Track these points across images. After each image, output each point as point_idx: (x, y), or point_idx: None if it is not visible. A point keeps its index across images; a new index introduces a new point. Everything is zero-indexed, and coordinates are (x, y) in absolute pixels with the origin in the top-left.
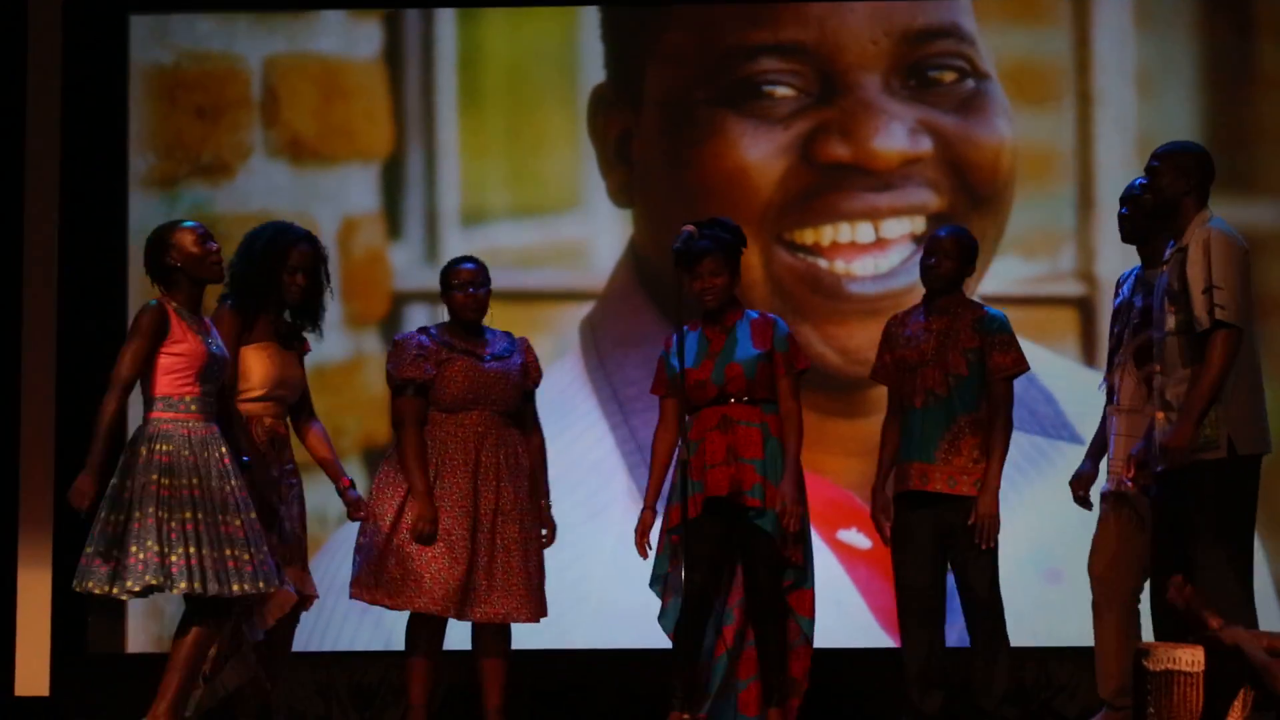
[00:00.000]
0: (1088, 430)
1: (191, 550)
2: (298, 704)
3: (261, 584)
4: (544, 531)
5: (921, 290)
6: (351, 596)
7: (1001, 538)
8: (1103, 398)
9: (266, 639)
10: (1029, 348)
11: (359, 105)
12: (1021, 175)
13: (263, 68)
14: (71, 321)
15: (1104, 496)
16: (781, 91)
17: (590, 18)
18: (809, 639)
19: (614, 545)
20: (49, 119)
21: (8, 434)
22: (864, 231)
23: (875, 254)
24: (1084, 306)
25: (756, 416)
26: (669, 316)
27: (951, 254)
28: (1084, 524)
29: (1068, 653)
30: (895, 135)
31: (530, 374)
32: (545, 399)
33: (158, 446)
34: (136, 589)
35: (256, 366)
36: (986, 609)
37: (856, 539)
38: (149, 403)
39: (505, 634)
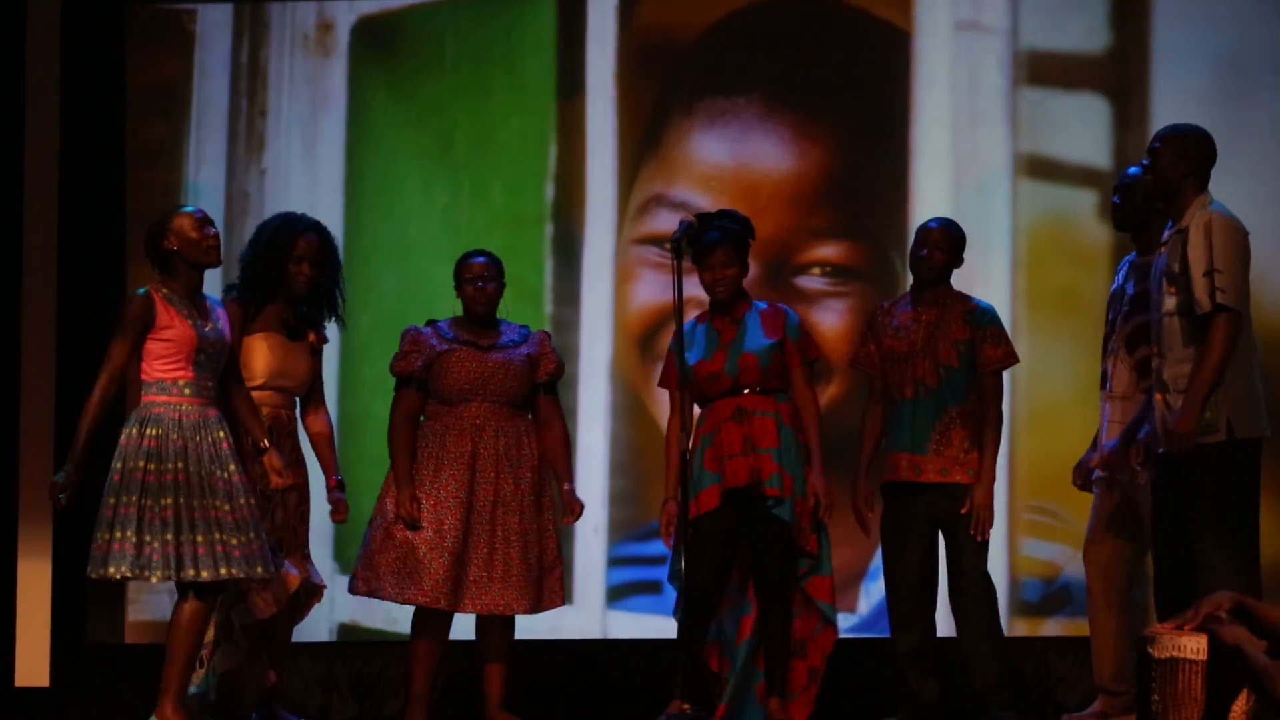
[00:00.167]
0: None
1: (169, 537)
2: (298, 695)
3: (251, 569)
4: (566, 516)
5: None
6: (350, 591)
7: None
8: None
9: (268, 628)
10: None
11: None
12: None
13: None
14: (71, 312)
15: (1095, 482)
16: None
17: None
18: (831, 621)
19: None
20: (48, 114)
21: (7, 425)
22: None
23: None
24: None
25: (770, 406)
26: None
27: (942, 245)
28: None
29: (1067, 643)
30: None
31: (542, 366)
32: None
33: (147, 430)
34: (117, 576)
35: (257, 356)
36: (980, 597)
37: None
38: (143, 387)
39: (508, 625)
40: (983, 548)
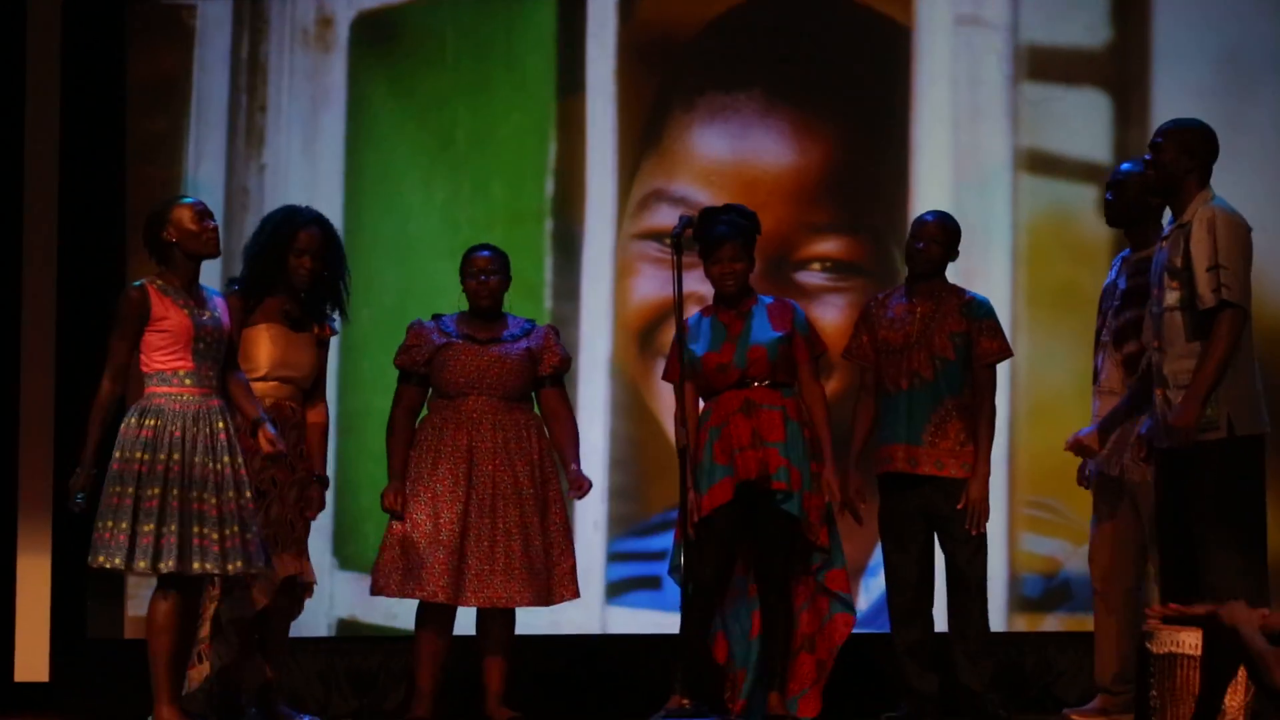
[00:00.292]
0: None
1: (149, 528)
2: (298, 689)
3: (230, 565)
4: (573, 491)
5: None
6: (371, 592)
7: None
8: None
9: (262, 622)
10: None
11: None
12: None
13: None
14: (71, 307)
15: (1090, 479)
16: None
17: None
18: (849, 610)
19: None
20: (48, 109)
21: (7, 420)
22: None
23: None
24: None
25: (777, 400)
26: None
27: (938, 238)
28: None
29: (1067, 638)
30: None
31: (545, 360)
32: None
33: (146, 421)
34: (108, 566)
35: (259, 347)
36: (975, 593)
37: None
38: (144, 379)
39: (508, 619)
40: (980, 546)
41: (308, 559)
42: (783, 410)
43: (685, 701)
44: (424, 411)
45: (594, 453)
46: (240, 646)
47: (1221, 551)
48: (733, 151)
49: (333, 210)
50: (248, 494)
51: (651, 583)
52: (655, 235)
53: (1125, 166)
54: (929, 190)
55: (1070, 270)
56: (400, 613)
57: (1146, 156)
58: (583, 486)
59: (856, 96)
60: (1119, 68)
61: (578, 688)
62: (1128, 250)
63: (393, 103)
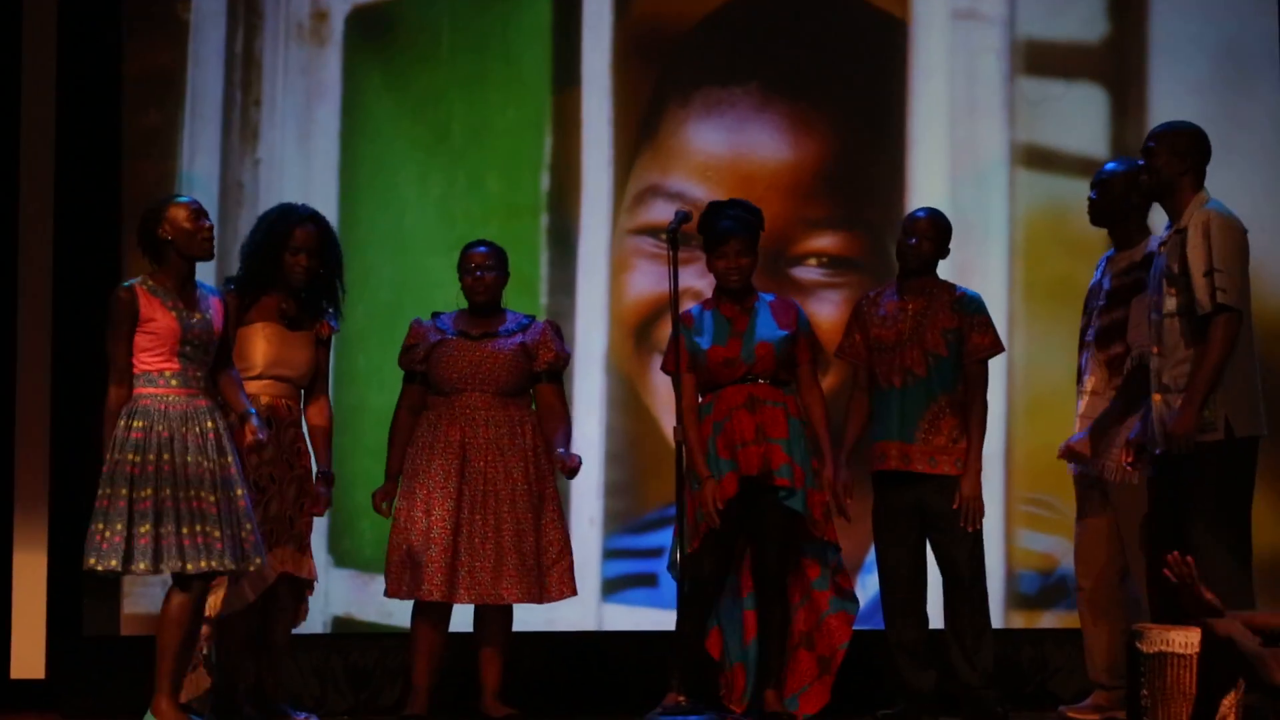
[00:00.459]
0: None
1: (146, 529)
2: (294, 686)
3: (236, 561)
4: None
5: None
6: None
7: None
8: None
9: (262, 622)
10: None
11: None
12: None
13: None
14: (67, 304)
15: (1076, 479)
16: None
17: None
18: (855, 604)
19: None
20: (44, 103)
21: (3, 416)
22: None
23: None
24: None
25: (779, 396)
26: None
27: (930, 235)
28: None
29: (1063, 634)
30: None
31: (540, 355)
32: None
33: (134, 423)
34: (100, 568)
35: (255, 346)
36: (970, 590)
37: None
38: (133, 380)
39: (505, 616)
40: (976, 545)
41: (310, 556)
42: (784, 407)
43: (682, 698)
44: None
45: (590, 448)
46: (236, 644)
47: (1214, 552)
48: (729, 146)
49: (328, 205)
50: (240, 491)
51: (648, 580)
52: (651, 230)
53: (1110, 166)
54: (925, 185)
55: (1067, 265)
56: (395, 610)
57: (1140, 161)
58: (570, 463)
59: (853, 91)
60: (1116, 62)
61: (574, 684)
62: (1112, 250)
63: (388, 97)
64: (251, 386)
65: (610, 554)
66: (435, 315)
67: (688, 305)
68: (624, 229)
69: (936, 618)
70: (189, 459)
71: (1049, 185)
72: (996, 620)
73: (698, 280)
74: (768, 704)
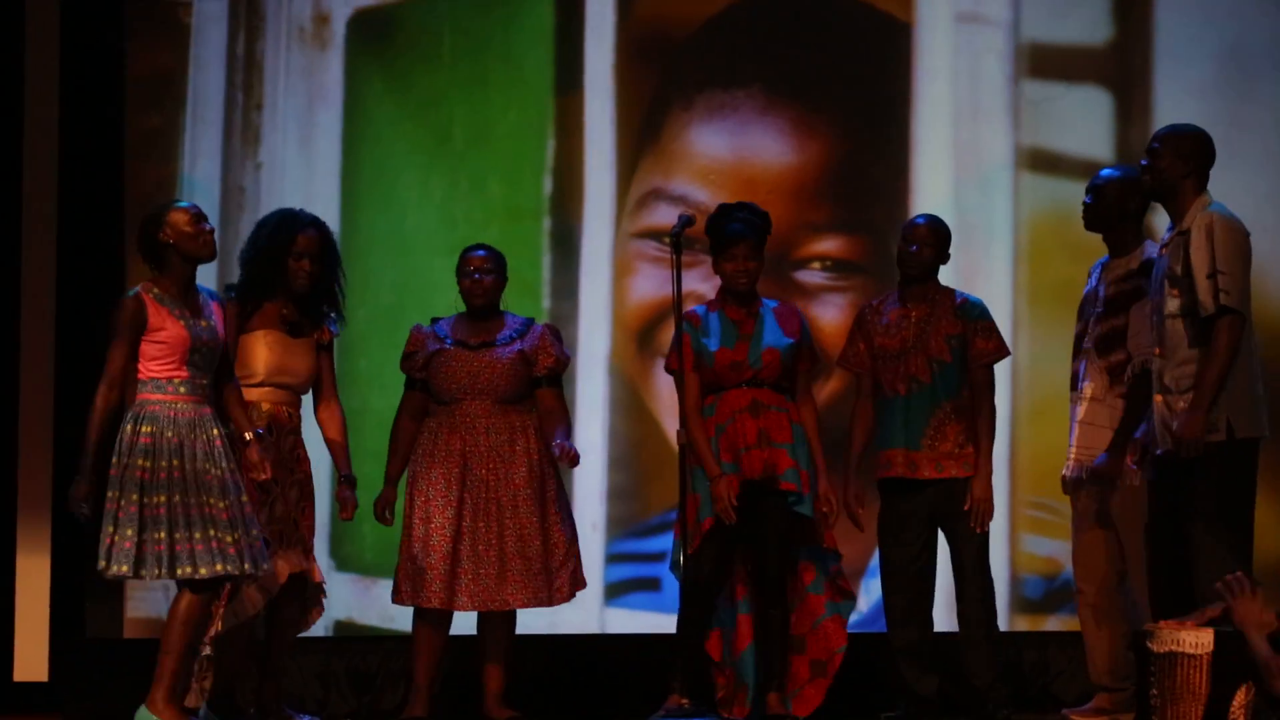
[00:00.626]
0: None
1: (160, 535)
2: (296, 689)
3: (247, 565)
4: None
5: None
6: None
7: None
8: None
9: (266, 626)
10: None
11: None
12: None
13: None
14: (70, 307)
15: (1067, 483)
16: None
17: None
18: (853, 606)
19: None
20: (47, 107)
21: (6, 419)
22: None
23: None
24: None
25: (782, 402)
26: None
27: (930, 241)
28: None
29: (1066, 637)
30: None
31: (540, 360)
32: None
33: (142, 428)
34: (111, 573)
35: (256, 353)
36: (979, 592)
37: None
38: (139, 385)
39: (508, 620)
40: (984, 546)
41: (314, 560)
42: (787, 413)
43: (684, 701)
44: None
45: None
46: (238, 648)
47: (1215, 554)
48: (732, 149)
49: (329, 208)
50: (244, 497)
51: (651, 584)
52: (654, 234)
53: (1105, 172)
54: (929, 189)
55: (1071, 269)
56: (397, 614)
57: (1144, 162)
58: (568, 453)
59: (856, 94)
60: (1120, 65)
61: (577, 688)
62: (1106, 257)
63: (389, 100)
64: (253, 394)
65: (613, 558)
66: (434, 321)
67: (690, 308)
68: (626, 232)
69: (941, 621)
70: (198, 465)
71: (1053, 188)
72: (1000, 625)
73: (701, 284)
74: (770, 707)
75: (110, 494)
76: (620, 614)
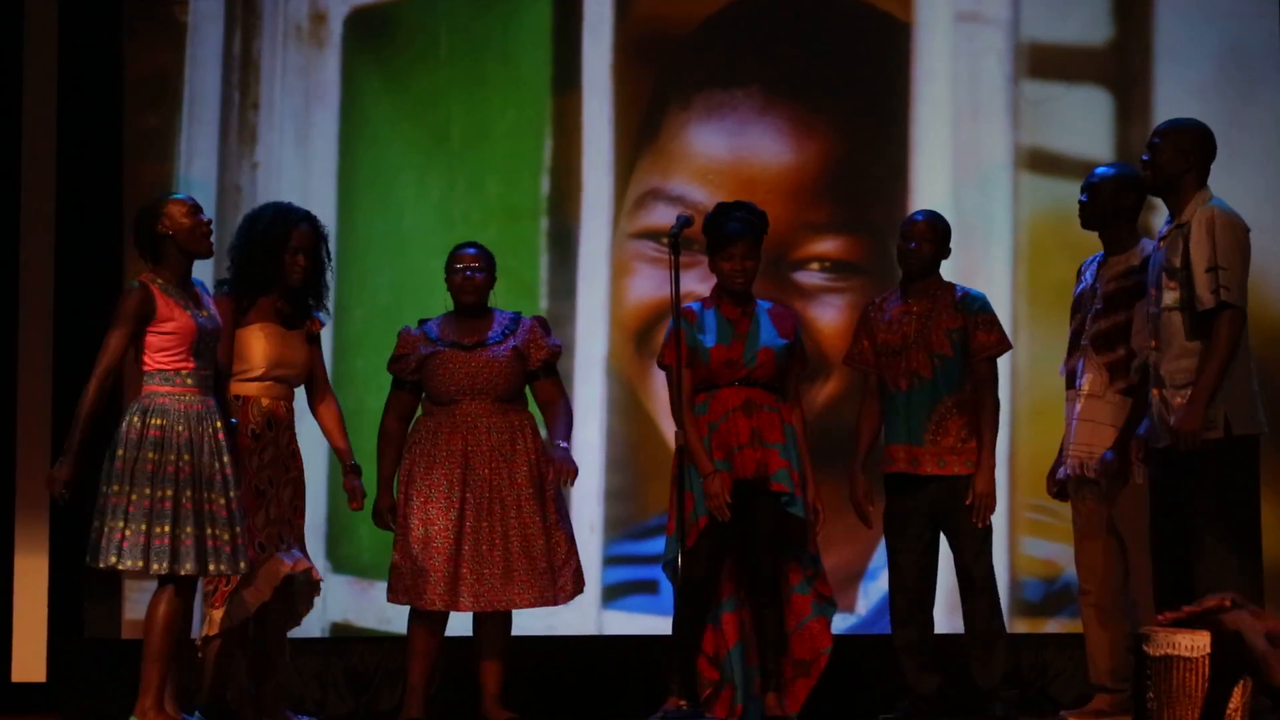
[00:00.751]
0: None
1: (166, 529)
2: (294, 690)
3: (243, 564)
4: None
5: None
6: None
7: None
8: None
9: (259, 627)
10: None
11: None
12: None
13: None
14: (68, 304)
15: (1066, 483)
16: None
17: None
18: (834, 609)
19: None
20: (45, 106)
21: (4, 418)
22: None
23: None
24: None
25: (774, 402)
26: None
27: (928, 237)
28: None
29: (1064, 638)
30: None
31: (533, 355)
32: None
33: (151, 420)
34: (121, 567)
35: (255, 347)
36: (983, 590)
37: None
38: (146, 377)
39: (505, 620)
40: (986, 543)
41: (308, 557)
42: (779, 413)
43: (682, 703)
44: (418, 412)
45: (590, 453)
46: (234, 648)
47: (1217, 551)
48: (730, 149)
49: (326, 208)
50: (234, 493)
51: (648, 586)
52: (652, 234)
53: (1099, 170)
54: (928, 189)
55: (1071, 269)
56: (394, 616)
57: (1145, 157)
58: (565, 470)
59: (855, 94)
60: (1120, 65)
61: (575, 689)
62: (1100, 255)
63: (386, 99)
64: (251, 388)
65: (610, 560)
66: (422, 322)
67: (686, 304)
68: (624, 233)
69: (942, 622)
70: (204, 461)
71: (1053, 189)
72: None
73: (699, 284)
74: (768, 708)
75: (116, 487)
76: (618, 616)
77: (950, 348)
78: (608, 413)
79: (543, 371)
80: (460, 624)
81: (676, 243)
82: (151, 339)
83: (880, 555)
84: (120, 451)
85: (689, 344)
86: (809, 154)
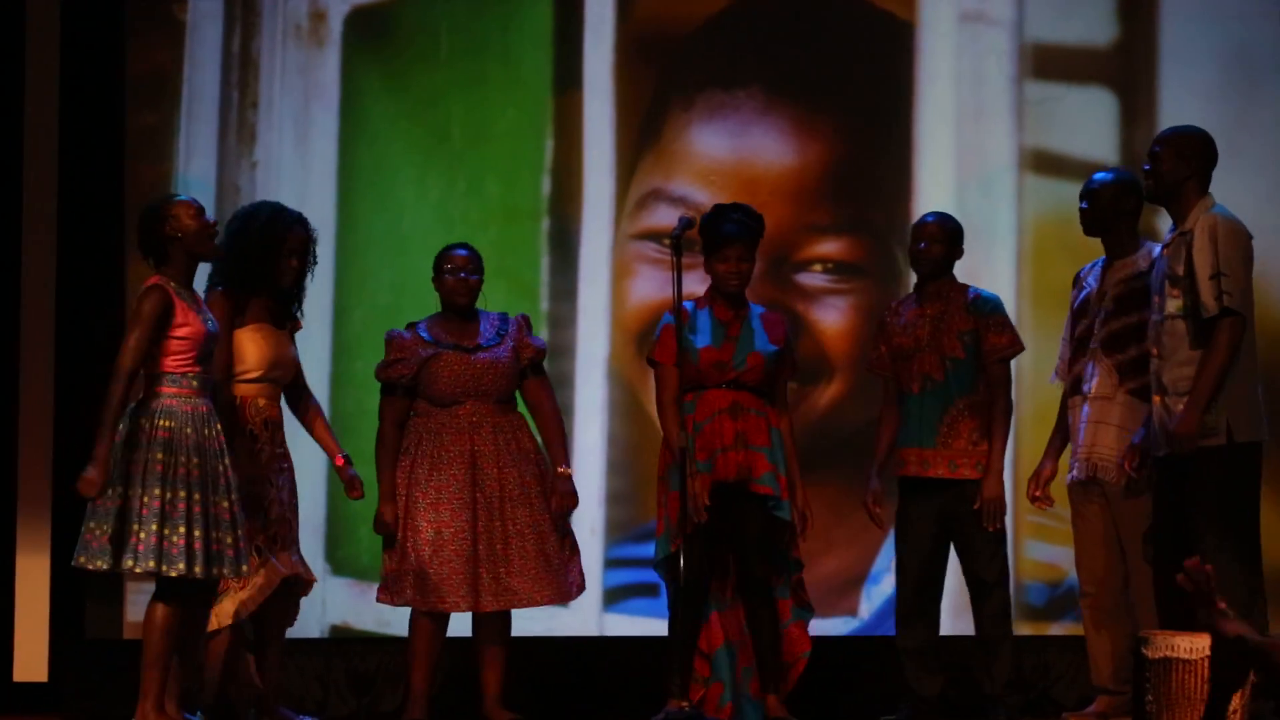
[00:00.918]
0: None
1: (182, 530)
2: (295, 690)
3: (244, 567)
4: (563, 503)
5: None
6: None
7: None
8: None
9: (258, 625)
10: None
11: None
12: None
13: None
14: (70, 305)
15: (1072, 487)
16: None
17: None
18: (811, 613)
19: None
20: (47, 105)
21: (6, 419)
22: None
23: None
24: None
25: (761, 406)
26: None
27: (938, 237)
28: None
29: (1066, 641)
30: None
31: (524, 353)
32: None
33: (160, 422)
34: (138, 570)
35: (252, 348)
36: (992, 594)
37: None
38: (153, 379)
39: (505, 621)
40: (999, 548)
41: (302, 556)
42: (766, 417)
43: (684, 704)
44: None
45: (591, 456)
46: (232, 650)
47: (1219, 557)
48: (732, 150)
49: (325, 208)
50: (234, 496)
51: (650, 590)
52: (653, 235)
53: (1097, 176)
54: (931, 190)
55: (1074, 271)
56: (393, 619)
57: (1146, 166)
58: (569, 503)
59: (858, 94)
60: (1125, 66)
61: (576, 690)
62: (1099, 261)
63: (386, 99)
64: (247, 389)
65: (611, 563)
66: (410, 326)
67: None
68: (626, 234)
69: (948, 624)
70: (210, 463)
71: (1057, 190)
72: None
73: (700, 286)
74: (770, 709)
75: (131, 490)
76: (619, 620)
77: (962, 350)
78: (609, 415)
79: (530, 370)
80: (459, 626)
81: (679, 244)
82: (169, 343)
83: (883, 559)
84: (131, 454)
85: (679, 343)
86: (811, 155)
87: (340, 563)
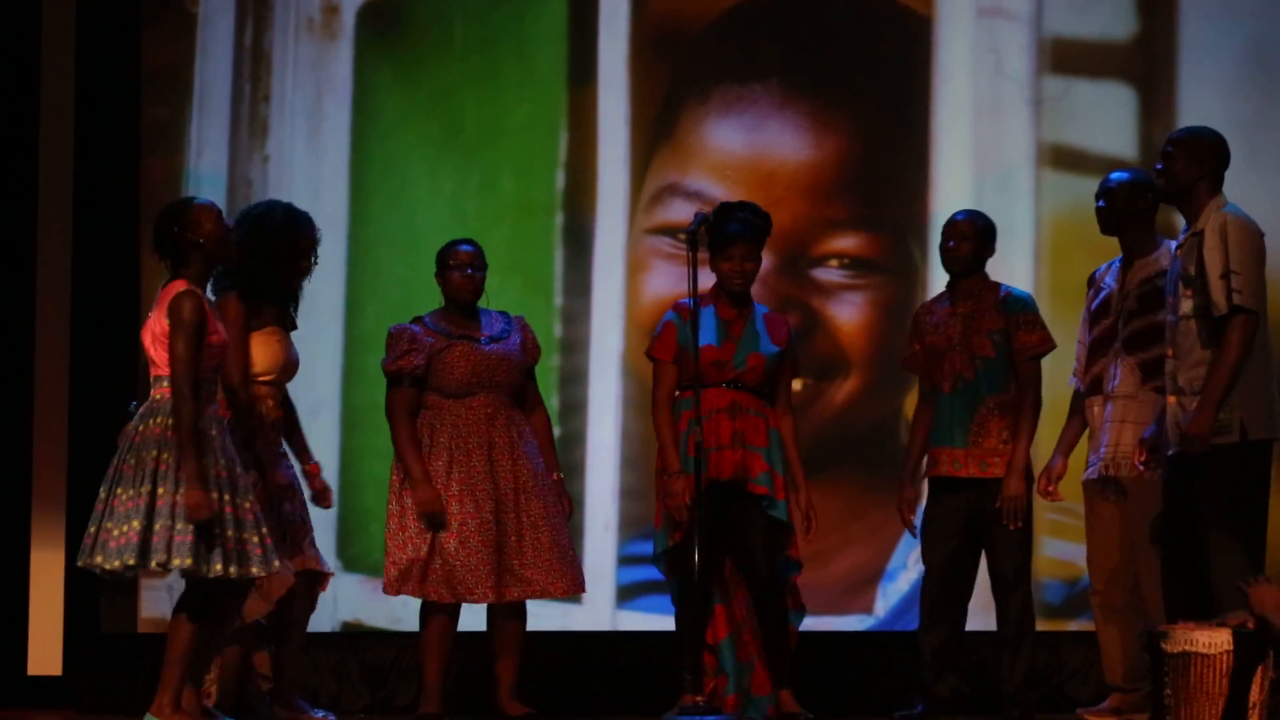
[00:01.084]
0: None
1: (215, 531)
2: (310, 684)
3: (275, 564)
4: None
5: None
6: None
7: None
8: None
9: (275, 619)
10: None
11: None
12: None
13: None
14: (85, 303)
15: (1087, 484)
16: None
17: None
18: (802, 615)
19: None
20: (63, 101)
21: (21, 415)
22: None
23: None
24: None
25: (761, 407)
26: None
27: (968, 235)
28: None
29: (1079, 636)
30: None
31: (529, 352)
32: None
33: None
34: (176, 562)
35: (267, 352)
36: (1015, 592)
37: None
38: (166, 380)
39: (520, 614)
40: (1020, 546)
41: (318, 549)
42: (765, 418)
43: (699, 698)
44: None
45: (605, 451)
46: (250, 646)
47: (1228, 554)
48: (748, 145)
49: (338, 203)
50: (254, 495)
51: (663, 586)
52: (668, 230)
53: (1113, 175)
54: (949, 185)
55: (1093, 267)
56: (405, 616)
57: (1159, 165)
58: (568, 503)
59: (875, 89)
60: (1144, 60)
61: (590, 684)
62: (1115, 261)
63: (399, 93)
64: (260, 391)
65: (625, 560)
66: (417, 319)
67: (681, 299)
68: (641, 228)
69: (969, 620)
70: (235, 466)
71: (1075, 186)
72: None
73: (713, 282)
74: (783, 704)
75: (159, 489)
76: (633, 616)
77: (992, 349)
78: (623, 410)
79: (528, 374)
80: (472, 619)
81: (695, 239)
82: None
83: (899, 556)
84: (154, 454)
85: (680, 341)
86: (827, 149)
87: (352, 559)
